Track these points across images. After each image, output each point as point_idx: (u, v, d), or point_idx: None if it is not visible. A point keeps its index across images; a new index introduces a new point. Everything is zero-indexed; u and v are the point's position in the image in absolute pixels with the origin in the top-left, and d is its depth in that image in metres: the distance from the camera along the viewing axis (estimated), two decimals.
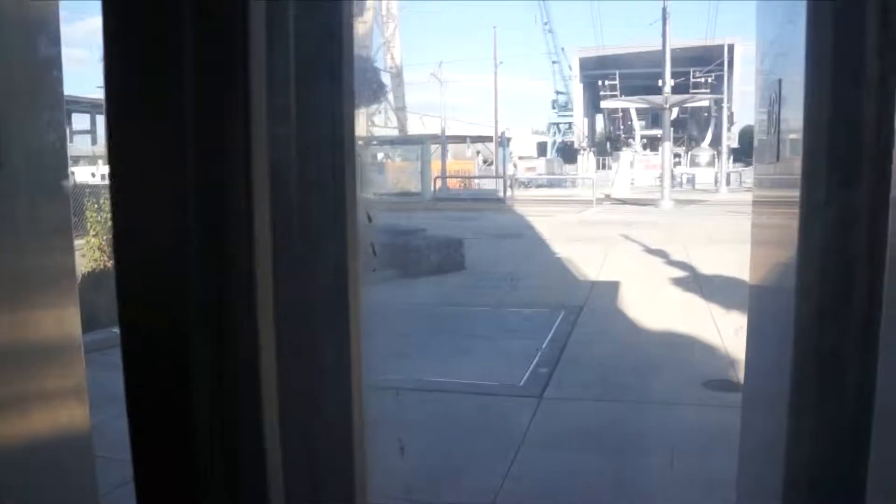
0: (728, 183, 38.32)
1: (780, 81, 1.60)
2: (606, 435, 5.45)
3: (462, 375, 7.01)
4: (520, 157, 58.05)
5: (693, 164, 50.04)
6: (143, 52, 1.10)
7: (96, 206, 13.05)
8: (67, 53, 1.69)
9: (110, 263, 9.77)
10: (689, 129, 57.26)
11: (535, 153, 66.27)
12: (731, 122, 43.99)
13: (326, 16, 1.22)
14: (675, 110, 42.19)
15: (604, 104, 58.97)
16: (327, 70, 1.23)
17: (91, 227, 12.59)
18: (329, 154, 1.27)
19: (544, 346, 7.83)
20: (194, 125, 1.10)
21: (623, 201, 31.32)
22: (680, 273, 12.04)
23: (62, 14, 1.69)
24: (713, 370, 6.73)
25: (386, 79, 37.58)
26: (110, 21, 1.09)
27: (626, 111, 57.55)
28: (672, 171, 32.81)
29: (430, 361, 7.51)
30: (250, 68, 1.11)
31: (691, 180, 43.97)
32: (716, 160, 45.06)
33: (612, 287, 10.86)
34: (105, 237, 13.15)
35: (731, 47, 44.82)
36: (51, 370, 1.69)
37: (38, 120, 1.62)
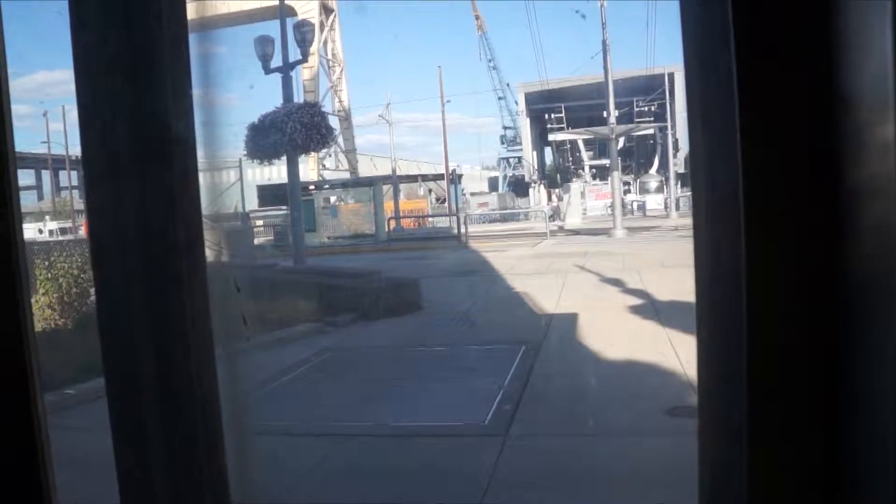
0: (678, 208, 38.85)
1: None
2: (574, 470, 5.43)
3: (426, 417, 6.97)
4: (472, 194, 58.29)
5: (643, 190, 50.68)
6: None
7: (46, 262, 12.72)
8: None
9: (61, 322, 9.34)
10: (637, 156, 58.09)
11: (486, 188, 66.65)
12: (676, 149, 44.69)
13: None
14: (622, 139, 42.76)
15: (551, 137, 59.61)
16: None
17: (41, 284, 12.23)
18: None
19: (506, 383, 7.78)
20: None
21: (576, 232, 31.56)
22: (636, 301, 12.12)
23: None
24: (675, 397, 6.77)
25: (334, 122, 37.66)
26: None
27: (573, 143, 58.17)
28: (622, 200, 33.19)
29: (393, 405, 7.44)
30: None
31: (642, 207, 44.52)
32: (664, 186, 45.75)
33: (571, 319, 10.89)
34: (55, 295, 12.81)
35: (671, 76, 45.72)
36: None
37: None
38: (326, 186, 33.24)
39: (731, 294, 1.37)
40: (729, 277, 1.38)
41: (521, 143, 64.44)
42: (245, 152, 19.79)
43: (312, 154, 28.97)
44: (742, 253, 1.34)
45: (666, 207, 40.74)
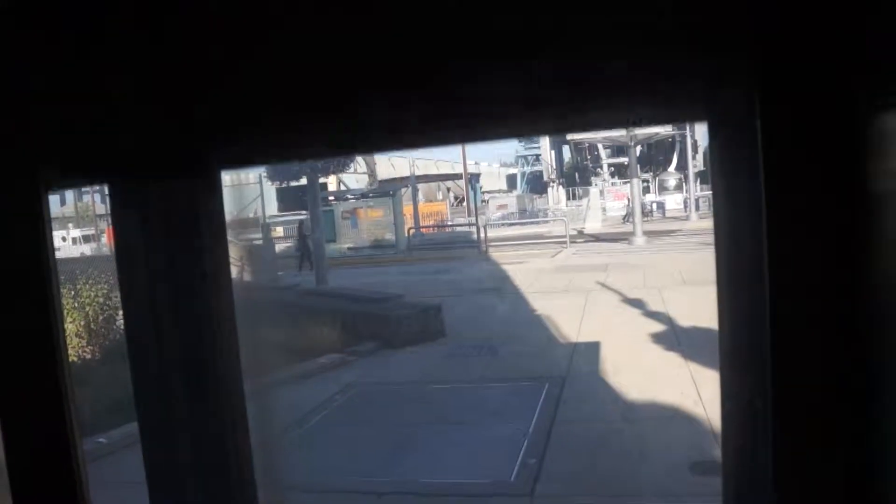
0: (697, 208, 38.55)
1: None
2: None
3: (452, 473, 7.04)
4: (489, 193, 58.30)
5: (661, 189, 50.35)
6: None
7: (73, 291, 12.63)
8: None
9: (89, 349, 9.24)
10: (655, 156, 57.75)
11: (505, 186, 66.62)
12: (695, 150, 44.43)
13: None
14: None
15: (569, 136, 59.35)
16: None
17: (68, 314, 12.02)
18: None
19: (530, 430, 7.86)
20: None
21: (596, 237, 31.54)
22: (658, 327, 12.13)
23: None
24: (697, 449, 6.83)
25: None
26: None
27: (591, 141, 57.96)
28: (641, 200, 33.00)
29: (418, 456, 7.52)
30: None
31: (661, 207, 44.21)
32: (683, 184, 45.42)
33: (593, 350, 10.92)
34: (83, 323, 12.81)
35: None
36: None
37: None
38: (347, 197, 33.31)
39: (752, 280, 1.37)
40: (750, 263, 1.37)
41: (538, 141, 64.25)
42: (266, 174, 19.93)
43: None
44: (763, 239, 1.34)
45: (686, 208, 40.47)
